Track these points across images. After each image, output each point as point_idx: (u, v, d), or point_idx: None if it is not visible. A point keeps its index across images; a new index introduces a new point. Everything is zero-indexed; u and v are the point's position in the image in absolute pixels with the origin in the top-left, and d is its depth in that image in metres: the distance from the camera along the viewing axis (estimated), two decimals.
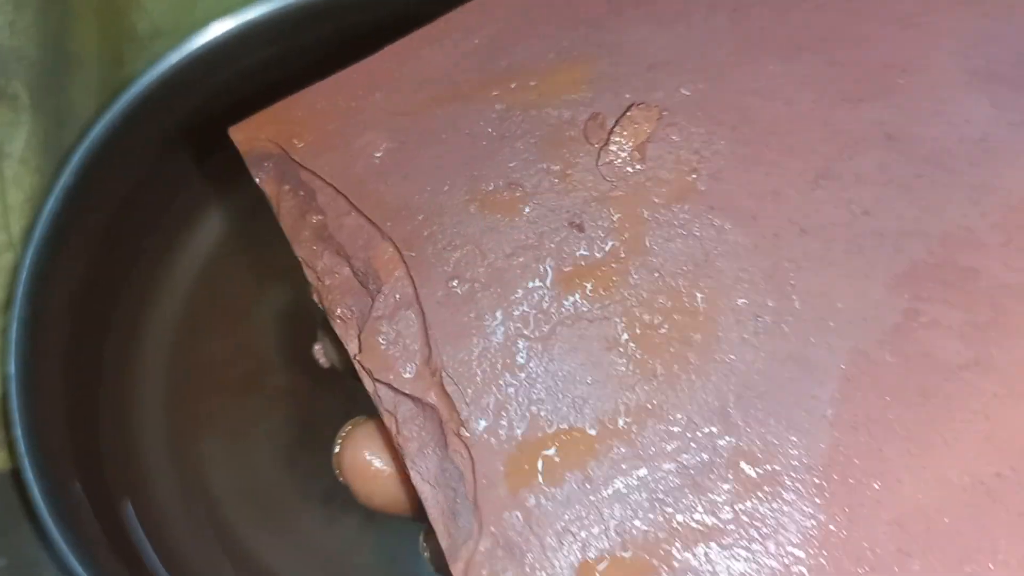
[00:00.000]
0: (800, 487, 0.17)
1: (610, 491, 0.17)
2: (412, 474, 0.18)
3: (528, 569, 0.17)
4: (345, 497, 0.37)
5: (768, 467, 0.17)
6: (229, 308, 0.38)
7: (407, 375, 0.19)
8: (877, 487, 0.16)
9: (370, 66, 0.22)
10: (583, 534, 0.17)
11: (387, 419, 0.19)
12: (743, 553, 0.16)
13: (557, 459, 0.18)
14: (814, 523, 0.16)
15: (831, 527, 0.16)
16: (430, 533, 0.19)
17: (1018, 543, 0.16)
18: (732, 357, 0.18)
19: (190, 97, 0.35)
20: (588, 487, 0.17)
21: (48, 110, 0.34)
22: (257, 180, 0.21)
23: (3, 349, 0.31)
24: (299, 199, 0.21)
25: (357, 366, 0.19)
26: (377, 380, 0.19)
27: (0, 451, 0.32)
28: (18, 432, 0.30)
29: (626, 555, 0.17)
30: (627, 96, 0.20)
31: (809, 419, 0.17)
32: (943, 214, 0.18)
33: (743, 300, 0.18)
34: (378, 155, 0.21)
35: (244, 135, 0.22)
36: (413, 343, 0.19)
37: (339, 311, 0.20)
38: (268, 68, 0.37)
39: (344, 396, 0.37)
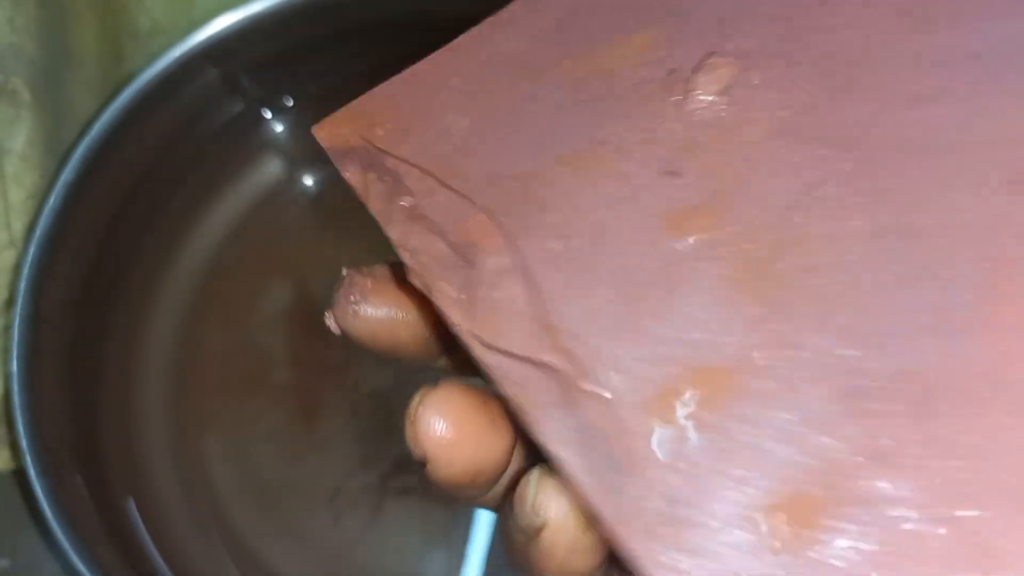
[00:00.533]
0: (969, 397, 0.16)
1: (764, 428, 0.16)
2: (541, 439, 0.18)
3: (697, 517, 0.16)
4: (349, 495, 0.37)
5: (927, 383, 0.16)
6: (232, 304, 0.38)
7: (520, 337, 0.18)
8: None
9: (444, 55, 0.22)
10: (745, 475, 0.16)
11: (505, 386, 0.18)
12: (916, 472, 0.16)
13: (701, 401, 0.17)
14: (994, 431, 0.16)
15: (1014, 430, 0.15)
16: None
17: None
18: (861, 279, 0.17)
19: (190, 93, 0.35)
20: (742, 426, 0.17)
21: (49, 107, 0.34)
22: (343, 173, 0.22)
23: (5, 347, 0.31)
24: (386, 184, 0.21)
25: (466, 336, 0.19)
26: (488, 347, 0.18)
27: (2, 450, 0.32)
28: (20, 430, 0.30)
29: (795, 491, 0.16)
30: (701, 50, 0.20)
31: (962, 330, 0.16)
32: None
33: (858, 222, 0.18)
34: (460, 134, 0.21)
35: (326, 132, 0.22)
36: (522, 305, 0.19)
37: (439, 285, 0.20)
38: (269, 64, 0.37)
39: (349, 392, 0.37)
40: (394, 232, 0.21)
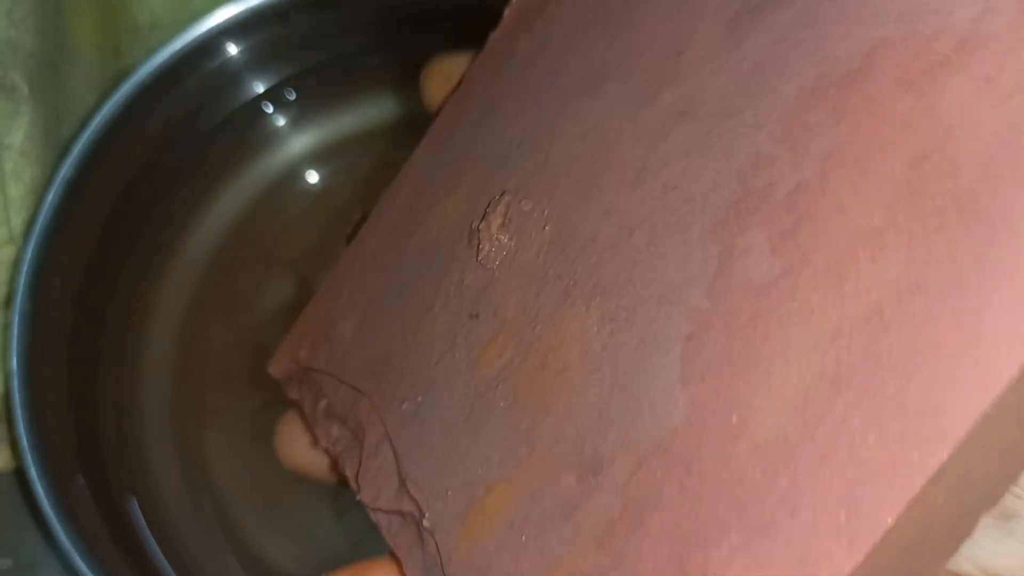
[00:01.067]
0: (666, 462, 0.17)
1: (532, 526, 0.19)
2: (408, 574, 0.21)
3: None
4: (352, 492, 0.37)
5: (640, 450, 0.18)
6: (233, 300, 0.38)
7: (389, 494, 0.22)
8: (733, 420, 0.17)
9: (337, 271, 0.26)
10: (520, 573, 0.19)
11: (387, 537, 0.22)
12: (628, 533, 0.17)
13: (489, 518, 0.20)
14: (681, 489, 0.17)
15: (699, 487, 0.17)
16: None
17: (871, 424, 0.15)
18: (601, 364, 0.19)
19: (191, 86, 0.35)
20: (513, 530, 0.19)
21: (48, 101, 0.33)
22: (290, 395, 0.26)
23: (4, 345, 0.31)
24: (312, 393, 0.25)
25: (364, 503, 0.22)
26: (373, 508, 0.22)
27: (2, 449, 0.32)
28: (20, 429, 0.30)
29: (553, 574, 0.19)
30: (493, 194, 0.23)
31: (662, 391, 0.18)
32: (737, 151, 0.19)
33: (597, 312, 0.19)
34: (349, 335, 0.25)
35: (276, 368, 0.27)
36: (390, 468, 0.22)
37: (347, 468, 0.23)
38: (270, 57, 0.37)
39: None
40: (317, 429, 0.25)
